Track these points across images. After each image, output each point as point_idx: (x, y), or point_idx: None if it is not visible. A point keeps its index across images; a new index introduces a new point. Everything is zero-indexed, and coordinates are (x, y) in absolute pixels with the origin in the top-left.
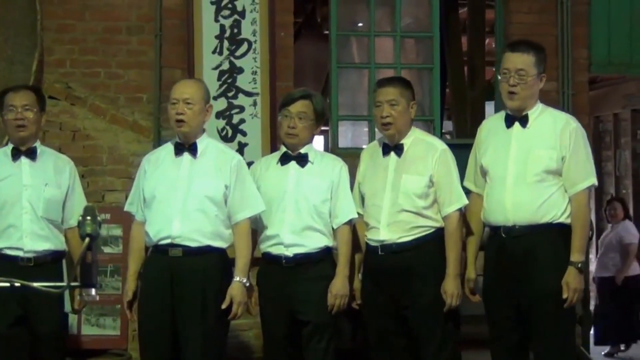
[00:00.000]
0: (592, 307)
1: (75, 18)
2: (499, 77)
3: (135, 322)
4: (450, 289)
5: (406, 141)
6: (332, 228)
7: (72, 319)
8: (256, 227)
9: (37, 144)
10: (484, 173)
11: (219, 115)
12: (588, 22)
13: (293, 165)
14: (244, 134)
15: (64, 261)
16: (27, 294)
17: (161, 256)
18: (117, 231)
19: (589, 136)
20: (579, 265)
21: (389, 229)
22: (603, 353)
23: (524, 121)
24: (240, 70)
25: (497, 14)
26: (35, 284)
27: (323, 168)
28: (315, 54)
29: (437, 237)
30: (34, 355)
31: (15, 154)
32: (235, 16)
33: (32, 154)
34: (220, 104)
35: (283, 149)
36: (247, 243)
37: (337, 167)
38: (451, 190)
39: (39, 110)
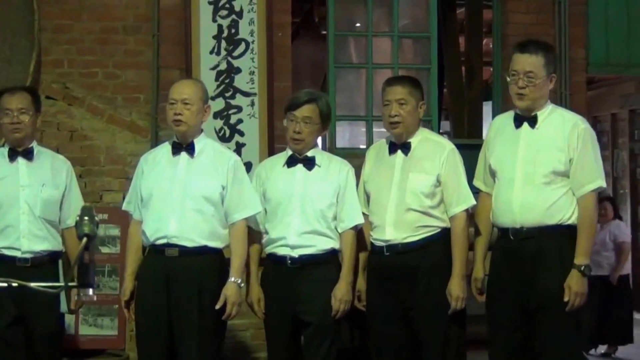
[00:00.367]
0: None
1: (73, 18)
2: (508, 79)
3: (133, 321)
4: (455, 291)
5: (414, 140)
6: (337, 232)
7: (70, 319)
8: (256, 227)
9: (34, 144)
10: (492, 173)
11: (216, 115)
12: (585, 23)
13: (300, 168)
14: (241, 134)
15: (60, 261)
16: (24, 294)
17: (157, 256)
18: (115, 231)
19: None
20: (583, 268)
21: (395, 228)
22: (600, 353)
23: (532, 122)
24: (238, 71)
25: (495, 14)
26: (33, 284)
27: (330, 172)
28: (313, 54)
29: (443, 238)
30: (31, 356)
31: (12, 155)
32: (233, 16)
33: (28, 155)
34: (218, 104)
35: (289, 151)
36: (243, 243)
37: (344, 171)
38: (458, 191)
39: (34, 112)
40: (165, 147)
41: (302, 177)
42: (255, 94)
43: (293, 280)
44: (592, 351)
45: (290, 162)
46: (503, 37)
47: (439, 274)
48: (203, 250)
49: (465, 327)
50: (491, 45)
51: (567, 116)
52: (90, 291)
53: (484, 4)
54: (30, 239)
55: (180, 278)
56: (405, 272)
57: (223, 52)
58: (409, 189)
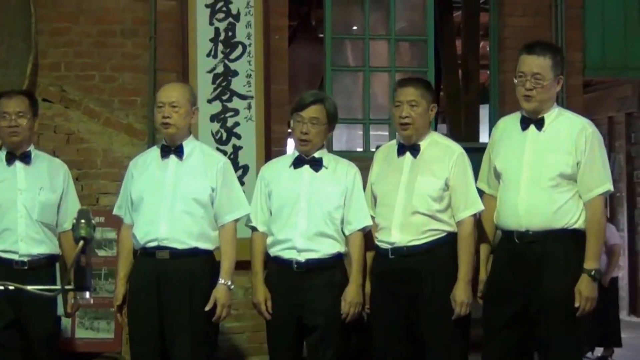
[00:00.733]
0: None
1: (70, 21)
2: (515, 80)
3: (126, 325)
4: (460, 296)
5: (423, 143)
6: (344, 234)
7: (66, 322)
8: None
9: (32, 148)
10: (497, 175)
11: (213, 118)
12: (582, 25)
13: (307, 169)
14: (238, 137)
15: (57, 265)
16: (21, 298)
17: (148, 259)
18: (111, 234)
19: None
20: (593, 273)
21: (401, 230)
22: (597, 356)
23: (539, 124)
24: (235, 74)
25: (492, 17)
26: (29, 287)
27: (337, 174)
28: (310, 57)
29: (449, 242)
30: (28, 359)
31: (10, 159)
32: (230, 19)
33: (26, 158)
34: (215, 107)
35: (296, 152)
36: (233, 245)
37: (352, 173)
38: (467, 195)
39: (32, 116)
40: (154, 151)
41: (308, 178)
42: (252, 97)
43: (298, 284)
44: (589, 354)
45: (297, 163)
46: (500, 40)
47: (444, 278)
48: (194, 252)
49: (469, 331)
50: (488, 48)
51: (574, 119)
52: (87, 294)
53: (480, 7)
54: (28, 242)
55: (172, 280)
56: (410, 275)
57: (220, 55)
58: (417, 192)
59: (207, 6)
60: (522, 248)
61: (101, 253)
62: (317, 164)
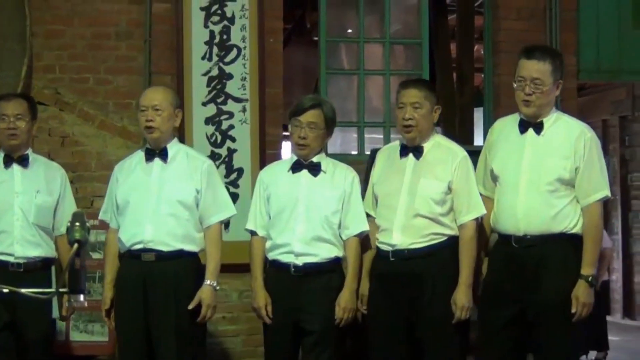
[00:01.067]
0: None
1: (64, 24)
2: (514, 85)
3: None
4: (460, 300)
5: (426, 145)
6: (342, 239)
7: (61, 325)
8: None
9: (29, 151)
10: (494, 178)
11: (208, 121)
12: (576, 29)
13: (305, 174)
14: (233, 140)
15: (53, 268)
16: (16, 300)
17: (134, 261)
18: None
19: None
20: (590, 279)
21: (402, 233)
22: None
23: (538, 128)
24: (230, 76)
25: (486, 21)
26: (24, 290)
27: (335, 178)
28: (305, 60)
29: (450, 246)
30: None
31: (7, 162)
32: (225, 22)
33: (24, 162)
34: (210, 110)
35: (294, 156)
36: (218, 247)
37: (350, 177)
38: (469, 199)
39: (30, 119)
40: (139, 155)
41: (307, 182)
42: (246, 100)
43: (296, 289)
44: (583, 357)
45: (295, 168)
46: (494, 43)
47: (444, 282)
48: (179, 254)
49: (469, 335)
50: (482, 52)
51: (573, 124)
52: (81, 297)
53: (475, 10)
54: (24, 245)
55: (157, 282)
56: (410, 278)
57: (215, 58)
58: (419, 195)
59: (202, 9)
60: (519, 252)
61: (95, 256)
62: (315, 169)
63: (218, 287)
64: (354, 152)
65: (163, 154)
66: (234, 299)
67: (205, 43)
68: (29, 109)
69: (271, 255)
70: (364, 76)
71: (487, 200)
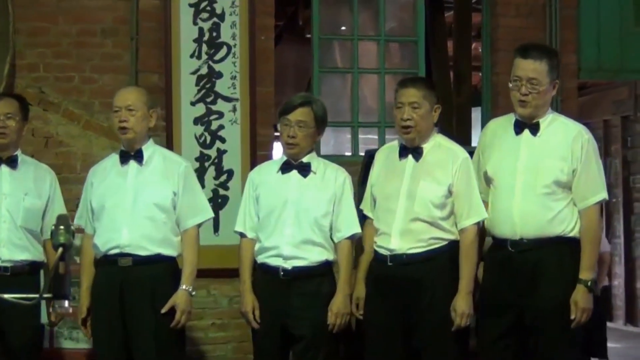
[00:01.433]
0: None
1: (49, 21)
2: (510, 85)
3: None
4: (460, 307)
5: (426, 145)
6: (333, 242)
7: (45, 331)
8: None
9: (18, 152)
10: (488, 180)
11: (197, 121)
12: (577, 26)
13: (295, 174)
14: (222, 140)
15: (42, 272)
16: (1, 306)
17: (110, 267)
18: None
19: None
20: (589, 283)
21: (401, 237)
22: None
23: (534, 129)
24: (219, 75)
25: (484, 18)
26: (6, 296)
27: (326, 179)
28: (297, 58)
29: (450, 251)
30: None
31: None
32: (214, 19)
33: (12, 163)
34: (199, 110)
35: (284, 156)
36: (195, 251)
37: (341, 178)
38: (470, 202)
39: (21, 119)
40: (113, 158)
41: (296, 183)
42: (237, 100)
43: (284, 293)
44: None
45: (285, 168)
46: (492, 41)
47: (444, 288)
48: (156, 259)
49: (469, 343)
50: (480, 50)
51: (569, 125)
52: (66, 303)
53: (472, 7)
54: (10, 249)
55: (134, 288)
56: (408, 284)
57: (204, 56)
58: (419, 198)
59: (190, 5)
60: (515, 256)
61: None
62: (305, 169)
63: (194, 293)
64: (348, 153)
65: (138, 156)
66: (224, 305)
67: (194, 40)
68: (19, 108)
69: (260, 258)
70: (358, 75)
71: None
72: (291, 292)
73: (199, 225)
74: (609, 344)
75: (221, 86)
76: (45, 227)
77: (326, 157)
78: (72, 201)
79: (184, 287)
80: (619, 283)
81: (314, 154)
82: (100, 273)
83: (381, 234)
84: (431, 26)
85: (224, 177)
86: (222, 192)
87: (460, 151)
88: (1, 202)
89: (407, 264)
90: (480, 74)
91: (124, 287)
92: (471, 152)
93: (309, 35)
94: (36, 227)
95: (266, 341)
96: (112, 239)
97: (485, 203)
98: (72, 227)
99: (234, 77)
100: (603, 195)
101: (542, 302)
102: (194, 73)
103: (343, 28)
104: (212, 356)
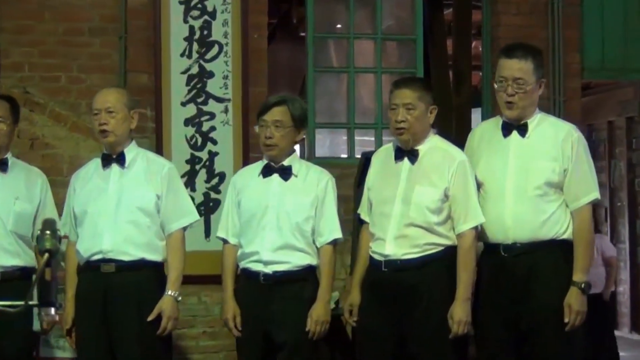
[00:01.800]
0: None
1: (34, 18)
2: (496, 86)
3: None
4: (458, 314)
5: (422, 148)
6: (316, 247)
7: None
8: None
9: (9, 155)
10: (478, 184)
11: (187, 122)
12: (580, 25)
13: (276, 178)
14: (214, 142)
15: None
16: None
17: (93, 273)
18: None
19: None
20: (582, 285)
21: (396, 242)
22: None
23: (522, 130)
24: (211, 75)
25: (484, 16)
26: None
27: (308, 182)
28: (291, 57)
29: (446, 256)
30: None
31: None
32: (206, 17)
33: (3, 166)
34: (189, 111)
35: (265, 160)
36: (181, 255)
37: (323, 181)
38: (467, 206)
39: (12, 122)
40: (96, 162)
41: (277, 187)
42: (229, 100)
43: (266, 298)
44: None
45: (266, 172)
46: (493, 40)
47: (440, 294)
48: (141, 264)
49: (468, 352)
50: (480, 49)
51: (558, 124)
52: (52, 310)
53: (472, 5)
54: (1, 254)
55: (118, 295)
56: (402, 290)
57: (195, 55)
58: (414, 203)
59: (181, 3)
60: (509, 261)
61: None
62: (286, 173)
63: (180, 298)
64: (344, 156)
65: (120, 159)
66: (216, 313)
67: (185, 39)
68: (11, 111)
69: (242, 264)
70: (354, 74)
71: None
72: (272, 297)
73: (185, 229)
74: None
75: (213, 86)
76: (36, 232)
77: (321, 159)
78: (59, 205)
79: (169, 292)
80: (624, 290)
81: (295, 156)
82: (82, 280)
83: (376, 239)
84: (430, 24)
85: (215, 180)
86: (213, 195)
87: (457, 153)
88: None
89: (402, 270)
90: (480, 74)
91: (107, 295)
92: None
93: (303, 34)
94: (27, 232)
95: (249, 349)
96: (94, 245)
97: None
98: (59, 232)
99: (225, 77)
100: (595, 194)
101: (538, 307)
102: (184, 73)
103: (338, 26)
104: None
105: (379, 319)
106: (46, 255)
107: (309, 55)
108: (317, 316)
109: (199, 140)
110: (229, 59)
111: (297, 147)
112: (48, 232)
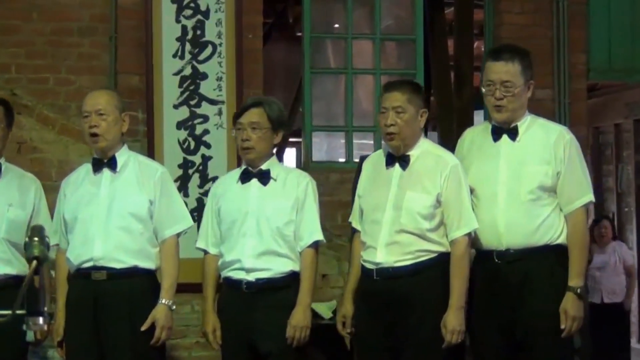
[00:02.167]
0: None
1: (22, 18)
2: (483, 90)
3: None
4: (451, 323)
5: (413, 153)
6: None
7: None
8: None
9: (2, 160)
10: (469, 191)
11: (180, 125)
12: (586, 24)
13: (254, 183)
14: (207, 146)
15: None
16: None
17: (83, 281)
18: None
19: (588, 149)
20: (578, 290)
21: (387, 249)
22: None
23: (513, 134)
24: (204, 76)
25: (487, 15)
26: None
27: (287, 185)
28: (287, 58)
29: (439, 263)
30: None
31: None
32: (199, 16)
33: None
34: (182, 113)
35: (244, 165)
36: (175, 262)
37: (303, 183)
38: (460, 212)
39: (6, 126)
40: (86, 167)
41: (256, 193)
42: (223, 102)
43: (249, 307)
44: None
45: (244, 178)
46: (495, 40)
47: (433, 303)
48: (133, 272)
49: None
50: (483, 49)
51: (549, 126)
52: (41, 320)
53: (474, 3)
54: None
55: (110, 304)
56: (395, 299)
57: (187, 56)
58: (405, 209)
59: (173, 2)
60: (502, 268)
61: None
62: (264, 177)
63: (174, 307)
64: (342, 160)
65: (112, 163)
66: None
67: (177, 39)
68: (4, 115)
69: (224, 273)
70: (352, 76)
71: None
72: (255, 305)
73: (178, 235)
74: None
75: (206, 88)
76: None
77: (318, 163)
78: (51, 212)
79: (163, 301)
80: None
81: (274, 160)
82: (73, 288)
83: (367, 248)
84: (430, 24)
85: (209, 185)
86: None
87: (449, 158)
88: None
89: (394, 278)
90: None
91: (98, 303)
92: None
93: (299, 34)
94: (20, 240)
95: (234, 358)
96: (85, 252)
97: None
98: (48, 239)
99: (219, 79)
100: (589, 197)
101: (533, 314)
102: (177, 74)
103: (336, 26)
104: None
105: (373, 329)
106: (34, 262)
107: (305, 56)
108: (297, 321)
109: (192, 143)
110: (222, 59)
111: (293, 151)
112: (36, 238)
